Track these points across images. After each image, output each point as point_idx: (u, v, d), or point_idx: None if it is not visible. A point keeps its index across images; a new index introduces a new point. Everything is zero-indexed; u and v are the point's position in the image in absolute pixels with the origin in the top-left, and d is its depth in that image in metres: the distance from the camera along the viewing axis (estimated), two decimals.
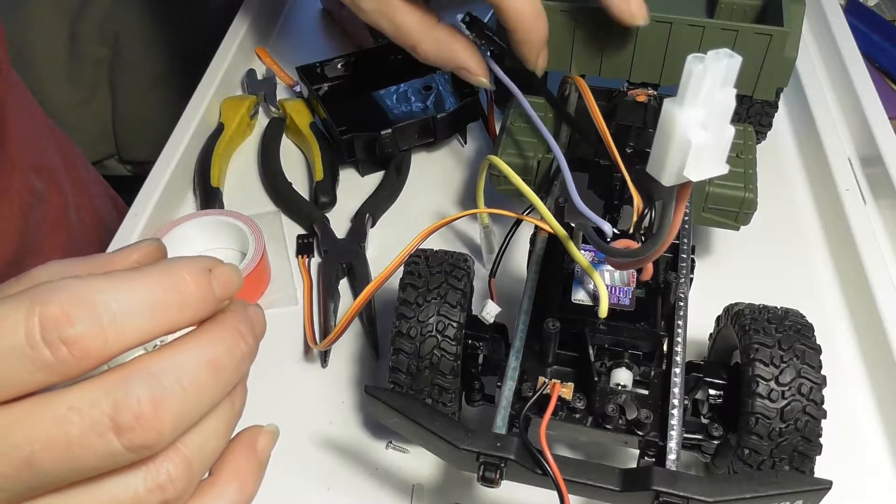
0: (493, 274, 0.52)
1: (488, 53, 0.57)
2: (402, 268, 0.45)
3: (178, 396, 0.25)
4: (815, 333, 0.41)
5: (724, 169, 0.23)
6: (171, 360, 0.26)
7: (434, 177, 0.66)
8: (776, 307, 0.43)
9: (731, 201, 0.51)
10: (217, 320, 0.28)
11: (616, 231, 0.42)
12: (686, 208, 0.44)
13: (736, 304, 0.44)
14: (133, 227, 0.57)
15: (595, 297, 0.42)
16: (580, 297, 0.42)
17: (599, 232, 0.42)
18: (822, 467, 0.39)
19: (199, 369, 0.26)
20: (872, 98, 0.66)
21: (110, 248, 0.56)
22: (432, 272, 0.44)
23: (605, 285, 0.41)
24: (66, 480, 0.25)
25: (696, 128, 0.22)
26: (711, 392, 0.42)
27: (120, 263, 0.30)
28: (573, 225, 0.43)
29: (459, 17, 0.57)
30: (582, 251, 0.42)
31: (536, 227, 0.46)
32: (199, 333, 0.27)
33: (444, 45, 0.53)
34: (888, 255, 0.57)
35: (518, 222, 0.52)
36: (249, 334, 0.28)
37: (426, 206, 0.63)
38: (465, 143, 0.68)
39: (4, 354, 0.24)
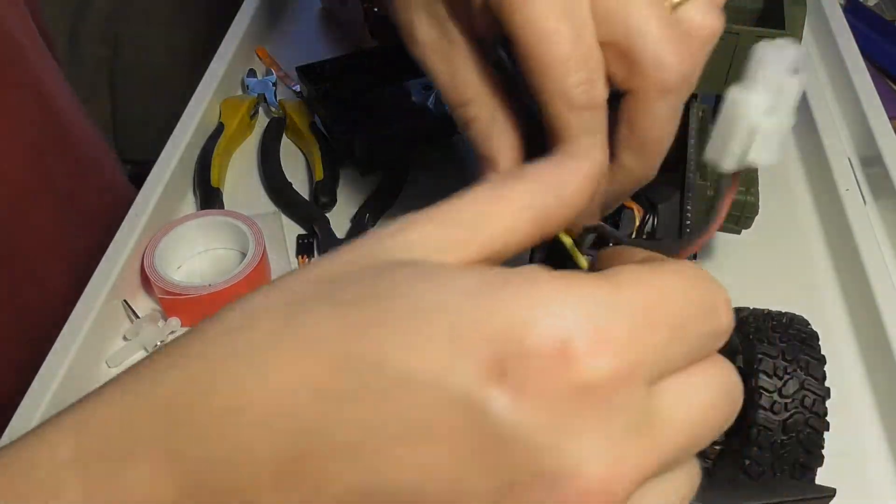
0: None
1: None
2: None
3: None
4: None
5: (781, 157, 0.25)
6: None
7: (434, 177, 0.65)
8: (780, 312, 0.42)
9: (732, 206, 0.51)
10: None
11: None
12: (687, 212, 0.44)
13: (739, 309, 0.44)
14: (133, 227, 0.57)
15: None
16: None
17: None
18: (822, 471, 0.39)
19: None
20: (872, 98, 0.66)
21: (111, 249, 0.56)
22: None
23: None
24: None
25: (763, 113, 0.24)
26: None
27: None
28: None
29: None
30: (586, 256, 0.42)
31: None
32: None
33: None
34: (888, 255, 0.57)
35: None
36: None
37: (426, 207, 0.63)
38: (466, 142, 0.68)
39: None
